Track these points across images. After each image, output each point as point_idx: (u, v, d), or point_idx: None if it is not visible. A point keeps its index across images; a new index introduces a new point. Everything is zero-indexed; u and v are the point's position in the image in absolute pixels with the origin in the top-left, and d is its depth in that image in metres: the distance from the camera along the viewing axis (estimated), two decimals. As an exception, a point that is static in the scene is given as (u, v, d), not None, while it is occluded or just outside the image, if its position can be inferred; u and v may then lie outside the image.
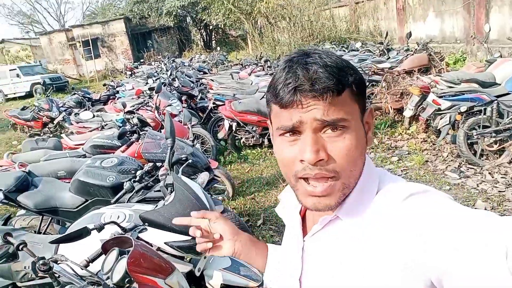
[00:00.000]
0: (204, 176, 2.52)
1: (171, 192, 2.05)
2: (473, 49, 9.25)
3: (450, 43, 10.27)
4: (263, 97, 5.70)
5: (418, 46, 7.46)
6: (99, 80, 22.15)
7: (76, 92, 9.85)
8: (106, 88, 10.73)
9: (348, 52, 11.13)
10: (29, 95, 19.35)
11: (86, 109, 8.36)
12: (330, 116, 0.65)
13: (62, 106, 8.92)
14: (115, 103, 7.36)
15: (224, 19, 21.71)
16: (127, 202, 2.54)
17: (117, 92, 9.64)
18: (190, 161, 2.72)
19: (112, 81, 12.87)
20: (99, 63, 24.79)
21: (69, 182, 3.02)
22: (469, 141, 4.34)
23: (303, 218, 0.86)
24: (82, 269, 1.42)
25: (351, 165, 0.68)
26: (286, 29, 16.17)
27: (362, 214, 0.70)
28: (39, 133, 8.96)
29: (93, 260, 1.50)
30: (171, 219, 1.77)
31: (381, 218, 0.67)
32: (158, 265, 1.40)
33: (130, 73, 16.20)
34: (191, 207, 1.85)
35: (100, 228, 1.63)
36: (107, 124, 5.44)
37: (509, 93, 4.32)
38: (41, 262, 1.19)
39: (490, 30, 7.40)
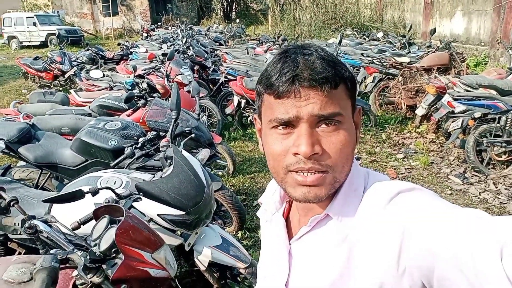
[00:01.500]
0: (205, 153, 2.50)
1: (170, 164, 2.03)
2: (496, 54, 9.00)
3: (474, 44, 9.99)
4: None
5: (441, 43, 7.27)
6: (115, 39, 21.94)
7: (90, 48, 9.80)
8: (120, 47, 10.63)
9: (369, 41, 10.89)
10: (43, 45, 19.26)
11: (97, 67, 8.34)
12: (327, 110, 0.64)
13: (74, 61, 8.88)
14: (127, 64, 7.30)
15: (247, -9, 21.28)
16: (126, 167, 2.54)
17: (131, 53, 9.55)
18: (193, 135, 2.69)
19: (127, 41, 12.75)
20: (117, 21, 24.48)
21: (71, 140, 3.02)
22: (478, 148, 4.28)
23: (286, 221, 0.84)
24: (71, 232, 1.42)
25: (343, 161, 0.68)
26: (309, 9, 15.81)
27: (352, 213, 0.70)
28: (49, 84, 8.95)
29: (84, 222, 1.50)
30: (166, 192, 1.78)
31: (370, 217, 0.66)
32: (147, 239, 1.39)
33: (146, 35, 16.00)
34: (187, 182, 1.84)
35: (94, 192, 1.63)
36: (116, 85, 5.41)
37: (527, 105, 4.21)
38: (27, 225, 1.19)
39: (517, 36, 7.18)
